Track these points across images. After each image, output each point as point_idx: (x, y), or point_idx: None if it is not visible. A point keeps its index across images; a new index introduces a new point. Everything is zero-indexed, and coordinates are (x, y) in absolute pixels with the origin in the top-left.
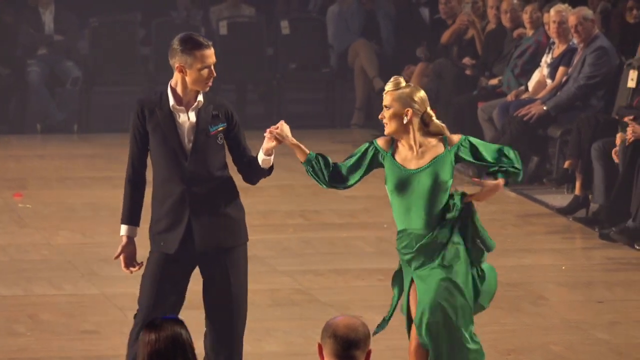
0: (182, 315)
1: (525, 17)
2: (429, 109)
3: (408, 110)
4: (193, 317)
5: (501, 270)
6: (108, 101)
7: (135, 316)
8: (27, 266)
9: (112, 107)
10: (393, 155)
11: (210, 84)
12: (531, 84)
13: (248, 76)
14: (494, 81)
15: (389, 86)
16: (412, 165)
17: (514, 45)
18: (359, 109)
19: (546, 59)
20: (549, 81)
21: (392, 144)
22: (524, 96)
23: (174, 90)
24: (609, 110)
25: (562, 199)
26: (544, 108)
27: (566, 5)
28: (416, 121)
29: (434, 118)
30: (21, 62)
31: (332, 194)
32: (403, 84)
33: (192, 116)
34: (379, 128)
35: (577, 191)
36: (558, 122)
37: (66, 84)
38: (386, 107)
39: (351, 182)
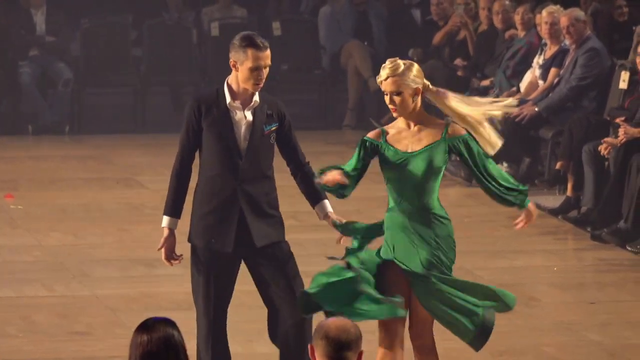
0: (175, 316)
1: (517, 19)
2: (426, 81)
3: (418, 89)
4: (185, 318)
5: (493, 272)
6: (100, 102)
7: (198, 320)
8: (19, 267)
9: (104, 109)
10: (387, 142)
11: (259, 85)
12: (523, 85)
13: None
14: (485, 82)
15: (389, 71)
16: (408, 148)
17: (506, 46)
18: (352, 110)
19: (538, 60)
20: (540, 82)
21: (383, 133)
22: (516, 97)
23: (230, 88)
24: (601, 111)
25: (553, 200)
26: (536, 109)
27: (558, 6)
28: (419, 98)
29: (430, 86)
30: (13, 63)
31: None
32: (402, 65)
33: (249, 115)
34: (371, 129)
35: (568, 192)
36: (550, 124)
37: (58, 85)
38: (394, 93)
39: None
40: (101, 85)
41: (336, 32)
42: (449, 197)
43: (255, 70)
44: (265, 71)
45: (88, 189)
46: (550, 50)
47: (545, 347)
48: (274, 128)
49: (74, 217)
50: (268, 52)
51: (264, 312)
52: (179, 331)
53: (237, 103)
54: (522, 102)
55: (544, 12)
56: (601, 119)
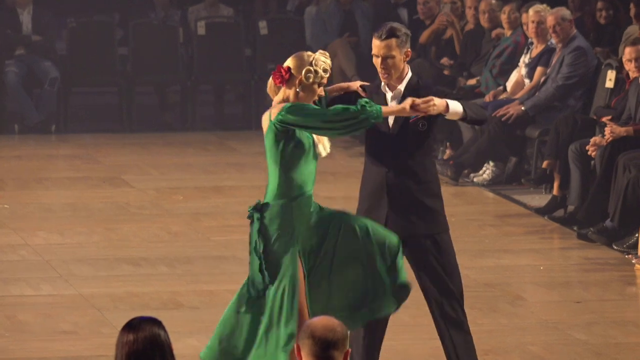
0: (161, 315)
1: (504, 18)
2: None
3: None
4: (171, 317)
5: (479, 271)
6: (86, 102)
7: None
8: (5, 267)
9: (90, 108)
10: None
11: (383, 75)
12: (509, 84)
13: (226, 76)
14: (472, 81)
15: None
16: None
17: (492, 45)
18: None
19: (524, 59)
20: (527, 81)
21: None
22: (502, 96)
23: None
24: (587, 110)
25: (540, 199)
26: (522, 108)
27: (544, 5)
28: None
29: None
30: None
31: None
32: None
33: (394, 103)
34: None
35: (555, 191)
36: (536, 123)
37: (44, 84)
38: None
39: None
40: (87, 84)
41: (322, 31)
42: None
43: (375, 58)
44: (389, 62)
45: (74, 188)
46: (537, 49)
47: (530, 346)
48: (420, 115)
49: (60, 216)
50: (382, 41)
51: None
52: (165, 330)
53: (390, 91)
54: (508, 101)
55: (531, 11)
56: (587, 118)
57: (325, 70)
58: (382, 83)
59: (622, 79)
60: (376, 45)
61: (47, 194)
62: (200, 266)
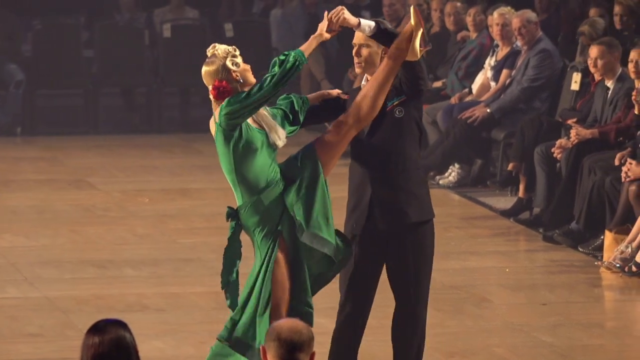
0: (126, 318)
1: (469, 20)
2: None
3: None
4: (137, 319)
5: (445, 273)
6: (51, 104)
7: (341, 314)
8: None
9: (56, 110)
10: None
11: (356, 64)
12: (475, 86)
13: (192, 79)
14: (437, 84)
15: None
16: None
17: (458, 47)
18: None
19: (490, 61)
20: (492, 84)
21: None
22: (468, 99)
23: None
24: (553, 113)
25: (505, 202)
26: (488, 111)
27: (509, 8)
28: None
29: None
30: None
31: None
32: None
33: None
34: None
35: (520, 194)
36: (501, 125)
37: (9, 86)
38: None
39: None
40: (53, 86)
41: (288, 34)
42: None
43: (354, 48)
44: (364, 51)
45: (39, 191)
46: (502, 51)
47: (496, 348)
48: (396, 102)
49: (25, 218)
50: (358, 33)
51: (216, 313)
52: (130, 333)
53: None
54: (473, 104)
55: (496, 14)
56: (553, 120)
57: (231, 48)
58: (363, 82)
59: (587, 81)
60: (356, 35)
61: (13, 196)
62: (166, 268)
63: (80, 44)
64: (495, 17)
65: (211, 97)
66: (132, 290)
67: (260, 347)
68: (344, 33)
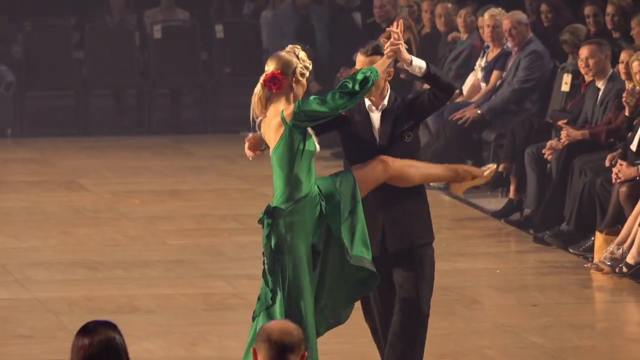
0: (116, 319)
1: (460, 21)
2: None
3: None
4: (127, 321)
5: (435, 274)
6: (42, 105)
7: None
8: None
9: (46, 112)
10: None
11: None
12: (465, 87)
13: (182, 80)
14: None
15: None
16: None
17: (449, 49)
18: None
19: (480, 62)
20: (483, 85)
21: None
22: (459, 100)
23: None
24: (543, 114)
25: (496, 203)
26: (479, 112)
27: (500, 9)
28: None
29: None
30: None
31: (266, 198)
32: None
33: (378, 117)
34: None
35: (511, 195)
36: (492, 126)
37: (0, 88)
38: None
39: None
40: (43, 88)
41: (279, 35)
42: None
43: None
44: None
45: (30, 192)
46: (493, 52)
47: (486, 350)
48: (405, 127)
49: (16, 220)
50: (369, 58)
51: (206, 315)
52: (120, 334)
53: (375, 111)
54: (464, 105)
55: (486, 15)
56: (543, 121)
57: (309, 63)
58: (367, 103)
59: (577, 83)
60: (361, 60)
61: (3, 197)
62: (157, 270)
63: (70, 46)
64: (485, 19)
65: (261, 81)
66: (122, 292)
67: (251, 349)
68: (336, 32)
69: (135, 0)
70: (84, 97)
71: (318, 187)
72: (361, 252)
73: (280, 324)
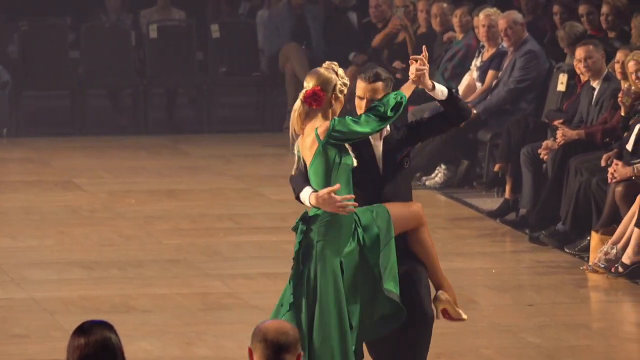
0: (112, 319)
1: (455, 21)
2: None
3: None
4: (122, 321)
5: None
6: (38, 105)
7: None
8: None
9: (42, 111)
10: None
11: (360, 109)
12: (461, 87)
13: (178, 80)
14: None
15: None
16: None
17: (444, 48)
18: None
19: (476, 62)
20: (478, 85)
21: None
22: None
23: None
24: (539, 113)
25: (492, 203)
26: (474, 111)
27: (495, 9)
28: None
29: None
30: None
31: (262, 198)
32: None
33: (380, 145)
34: None
35: (507, 194)
36: (488, 126)
37: None
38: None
39: None
40: (39, 87)
41: (274, 35)
42: None
43: (359, 100)
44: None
45: (26, 192)
46: (488, 52)
47: (483, 350)
48: (405, 153)
49: (12, 219)
50: (371, 85)
51: (202, 314)
52: (116, 334)
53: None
54: None
55: (482, 15)
56: (539, 121)
57: (347, 79)
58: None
59: (573, 82)
60: (362, 87)
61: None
62: (152, 270)
63: (66, 45)
64: (481, 18)
65: (300, 97)
66: (118, 292)
67: (247, 349)
68: (331, 31)
69: (131, 0)
70: (80, 96)
71: (357, 214)
72: (392, 287)
73: (276, 323)
